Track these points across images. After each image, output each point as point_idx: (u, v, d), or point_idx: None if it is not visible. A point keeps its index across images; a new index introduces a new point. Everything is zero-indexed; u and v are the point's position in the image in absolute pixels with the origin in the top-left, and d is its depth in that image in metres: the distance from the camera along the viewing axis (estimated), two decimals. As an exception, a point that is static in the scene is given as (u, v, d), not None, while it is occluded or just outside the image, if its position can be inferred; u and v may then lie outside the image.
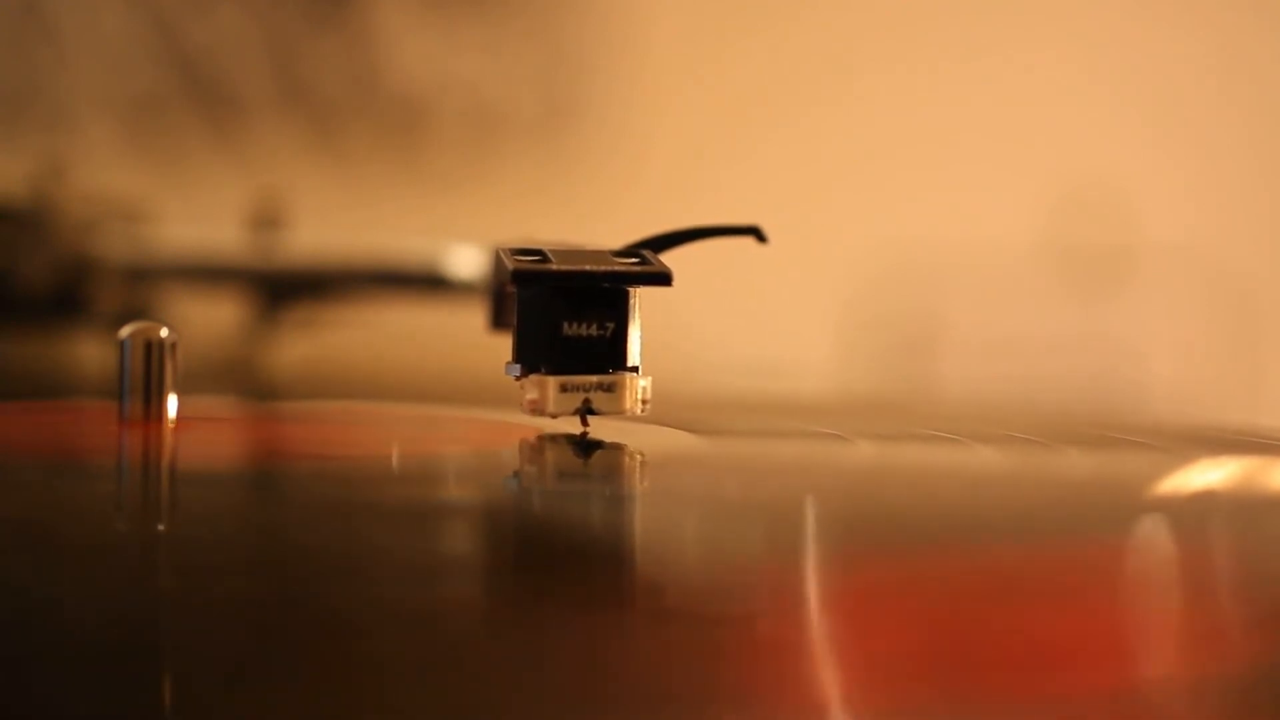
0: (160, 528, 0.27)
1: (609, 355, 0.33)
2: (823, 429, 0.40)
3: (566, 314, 0.33)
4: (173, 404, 0.34)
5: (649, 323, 0.33)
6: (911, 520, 0.28)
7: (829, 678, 0.19)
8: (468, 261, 0.59)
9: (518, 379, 0.33)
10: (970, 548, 0.26)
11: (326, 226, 0.63)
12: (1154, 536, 0.27)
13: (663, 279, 0.33)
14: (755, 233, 0.35)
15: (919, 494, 0.31)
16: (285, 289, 0.61)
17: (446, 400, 0.47)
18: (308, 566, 0.24)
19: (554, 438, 0.35)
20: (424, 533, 0.27)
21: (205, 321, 0.60)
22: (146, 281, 0.62)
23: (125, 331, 0.34)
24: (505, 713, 0.18)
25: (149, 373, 0.34)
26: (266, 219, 0.62)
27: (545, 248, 0.33)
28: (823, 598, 0.23)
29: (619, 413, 0.33)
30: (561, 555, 0.25)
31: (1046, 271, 0.92)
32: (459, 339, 0.48)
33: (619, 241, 0.34)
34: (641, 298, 0.33)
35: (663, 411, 0.34)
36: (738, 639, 0.21)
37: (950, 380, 0.90)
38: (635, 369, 0.33)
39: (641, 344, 0.33)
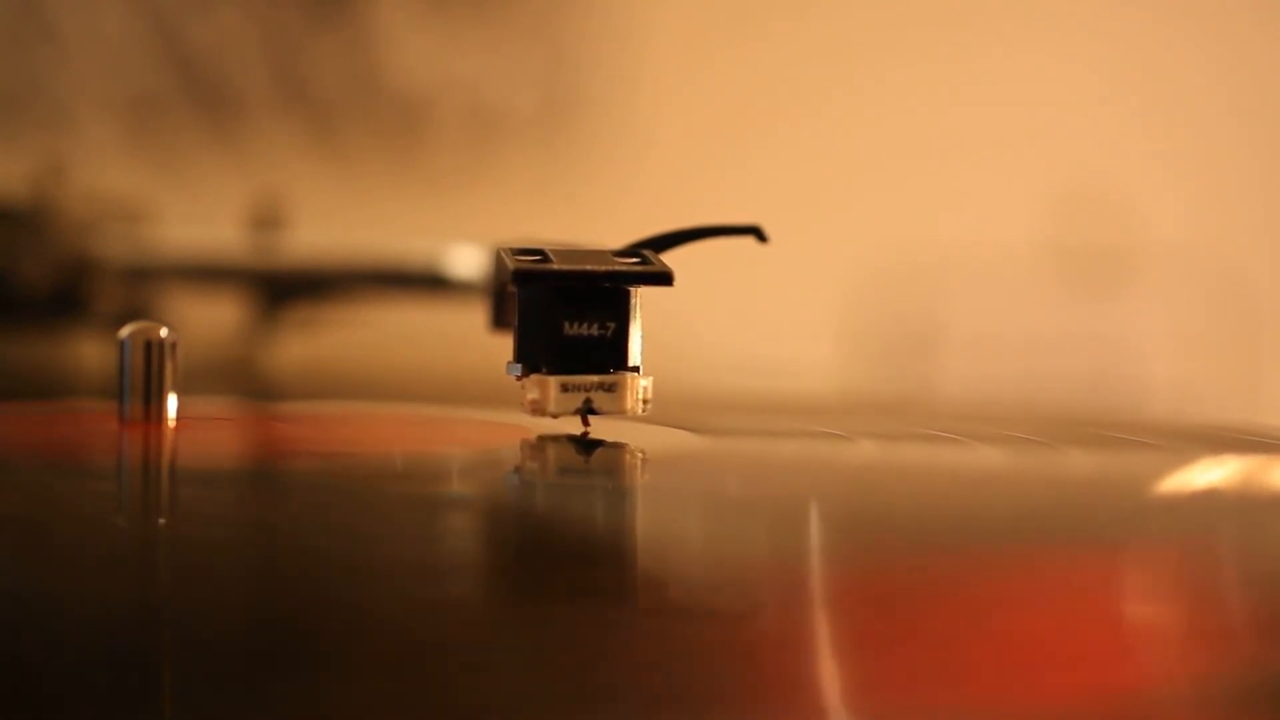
0: (160, 527, 0.27)
1: (610, 355, 0.33)
2: (824, 428, 0.40)
3: (567, 314, 0.33)
4: (173, 404, 0.34)
5: (650, 323, 0.33)
6: (912, 519, 0.28)
7: (829, 677, 0.19)
8: (468, 261, 0.59)
9: (518, 379, 0.33)
10: (970, 547, 0.26)
11: (326, 226, 0.63)
12: (1154, 536, 0.27)
13: (664, 279, 0.33)
14: (756, 232, 0.35)
15: (919, 493, 0.31)
16: (285, 289, 0.61)
17: (447, 400, 0.47)
18: (308, 566, 0.24)
19: (555, 437, 0.35)
20: (425, 532, 0.27)
21: (205, 321, 0.60)
22: (146, 281, 0.62)
23: (125, 331, 0.34)
24: (506, 709, 0.18)
25: (149, 373, 0.34)
26: (266, 219, 0.62)
27: (546, 247, 0.33)
28: (823, 597, 0.23)
29: (620, 413, 0.33)
30: (562, 554, 0.25)
31: (1046, 271, 0.92)
32: (459, 339, 0.48)
33: (620, 241, 0.34)
34: (642, 298, 0.33)
35: (664, 411, 0.34)
36: (738, 638, 0.21)
37: (950, 380, 0.90)
38: (636, 369, 0.33)
39: (642, 344, 0.33)
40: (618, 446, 0.34)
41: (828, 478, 0.33)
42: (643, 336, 0.33)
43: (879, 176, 0.94)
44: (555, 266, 0.32)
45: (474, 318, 0.44)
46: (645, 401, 0.33)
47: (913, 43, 0.96)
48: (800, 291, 0.90)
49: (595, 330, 0.33)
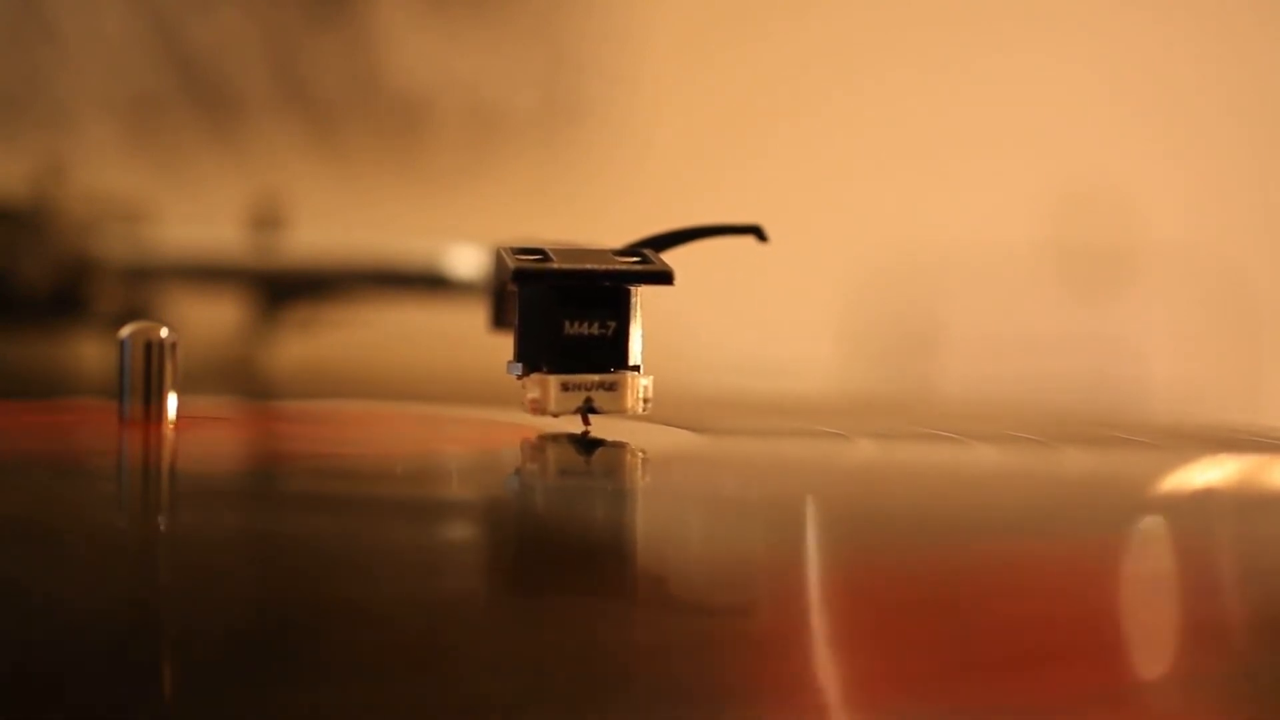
0: (160, 527, 0.27)
1: (610, 354, 0.33)
2: (824, 428, 0.40)
3: (568, 313, 0.33)
4: (173, 404, 0.34)
5: (650, 322, 0.33)
6: (912, 519, 0.28)
7: (829, 676, 0.19)
8: (468, 261, 0.59)
9: (519, 378, 0.33)
10: (970, 547, 0.26)
11: (326, 226, 0.63)
12: (1154, 536, 0.27)
13: (664, 278, 0.33)
14: (756, 232, 0.35)
15: (919, 493, 0.31)
16: (285, 289, 0.61)
17: (447, 400, 0.47)
18: (308, 566, 0.24)
19: (555, 437, 0.35)
20: (425, 531, 0.27)
21: (205, 321, 0.60)
22: (146, 281, 0.62)
23: (125, 331, 0.34)
24: (507, 709, 0.18)
25: (149, 373, 0.34)
26: (266, 219, 0.62)
27: (546, 247, 0.33)
28: (823, 596, 0.23)
29: (620, 412, 0.33)
30: (563, 553, 0.25)
31: (1046, 271, 0.92)
32: (459, 339, 0.48)
33: (620, 241, 0.34)
34: (643, 297, 0.33)
35: (664, 410, 0.34)
36: (739, 637, 0.21)
37: (950, 380, 0.90)
38: (637, 368, 0.33)
39: (643, 343, 0.33)
40: (618, 446, 0.34)
41: (828, 478, 0.33)
42: (643, 336, 0.33)
43: (879, 176, 0.94)
44: (556, 265, 0.32)
45: (474, 317, 0.44)
46: (646, 401, 0.33)
47: (913, 43, 0.96)
48: (800, 291, 0.90)
49: (596, 329, 0.33)
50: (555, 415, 0.33)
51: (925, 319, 0.92)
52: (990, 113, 0.95)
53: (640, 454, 0.34)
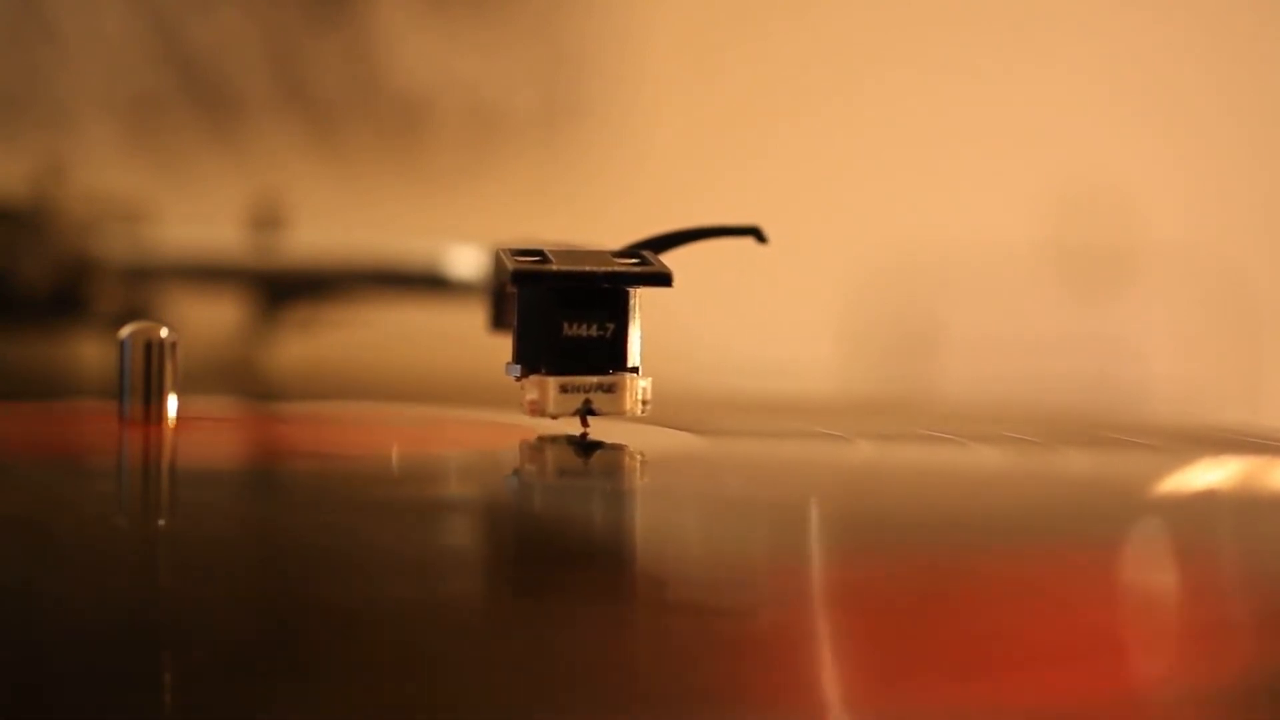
0: (160, 527, 0.27)
1: (609, 356, 0.33)
2: (824, 429, 0.40)
3: (567, 314, 0.33)
4: (173, 404, 0.34)
5: (649, 323, 0.33)
6: (912, 520, 0.28)
7: (828, 678, 0.19)
8: (468, 262, 0.59)
9: (518, 379, 0.33)
10: (970, 548, 0.26)
11: (326, 226, 0.63)
12: (1153, 537, 0.27)
13: (663, 279, 0.33)
14: (756, 233, 0.35)
15: (920, 494, 0.31)
16: (285, 289, 0.61)
17: (446, 400, 0.47)
18: (308, 566, 0.24)
19: (554, 438, 0.35)
20: (424, 532, 0.27)
21: (205, 321, 0.60)
22: (146, 281, 0.62)
23: (125, 331, 0.34)
24: (506, 711, 0.18)
25: (149, 373, 0.34)
26: (266, 219, 0.62)
27: (545, 248, 0.33)
28: (823, 597, 0.23)
29: (619, 413, 0.33)
30: (562, 554, 0.25)
31: (1046, 271, 0.92)
32: (459, 339, 0.48)
33: (619, 242, 0.34)
34: (642, 298, 0.33)
35: (663, 412, 0.34)
36: (738, 639, 0.21)
37: (950, 380, 0.90)
38: (635, 369, 0.33)
39: (642, 344, 0.33)
40: (617, 447, 0.34)
41: (828, 478, 0.33)
42: (642, 337, 0.33)
43: (879, 177, 0.94)
44: (554, 267, 0.32)
45: (474, 318, 0.44)
46: (644, 402, 0.33)
47: (913, 43, 0.96)
48: (800, 292, 0.90)
49: (594, 331, 0.33)
50: (554, 417, 0.33)
51: (925, 319, 0.92)
52: (990, 113, 0.95)
53: (639, 456, 0.34)
